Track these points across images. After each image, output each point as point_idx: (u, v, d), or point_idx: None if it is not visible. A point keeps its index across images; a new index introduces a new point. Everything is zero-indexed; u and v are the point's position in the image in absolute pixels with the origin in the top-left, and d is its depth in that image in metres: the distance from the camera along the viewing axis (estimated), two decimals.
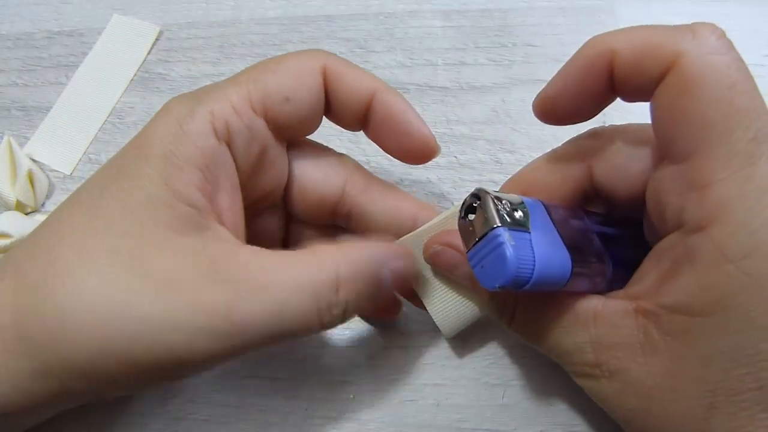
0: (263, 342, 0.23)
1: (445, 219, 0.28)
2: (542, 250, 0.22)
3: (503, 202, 0.22)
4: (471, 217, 0.23)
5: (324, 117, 0.28)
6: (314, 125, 0.28)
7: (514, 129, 0.38)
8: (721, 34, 0.22)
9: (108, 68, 0.42)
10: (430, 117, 0.38)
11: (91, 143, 0.40)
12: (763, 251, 0.20)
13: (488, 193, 0.22)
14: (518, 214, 0.22)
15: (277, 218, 0.30)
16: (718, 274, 0.20)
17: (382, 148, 0.29)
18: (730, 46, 0.21)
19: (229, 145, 0.25)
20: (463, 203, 0.23)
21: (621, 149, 0.26)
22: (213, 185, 0.24)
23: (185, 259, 0.22)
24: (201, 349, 0.22)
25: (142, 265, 0.22)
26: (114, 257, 0.22)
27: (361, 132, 0.29)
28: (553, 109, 0.25)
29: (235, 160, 0.25)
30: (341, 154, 0.30)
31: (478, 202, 0.22)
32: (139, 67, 0.42)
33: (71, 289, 0.22)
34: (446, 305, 0.28)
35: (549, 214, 0.24)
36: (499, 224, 0.21)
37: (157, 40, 0.43)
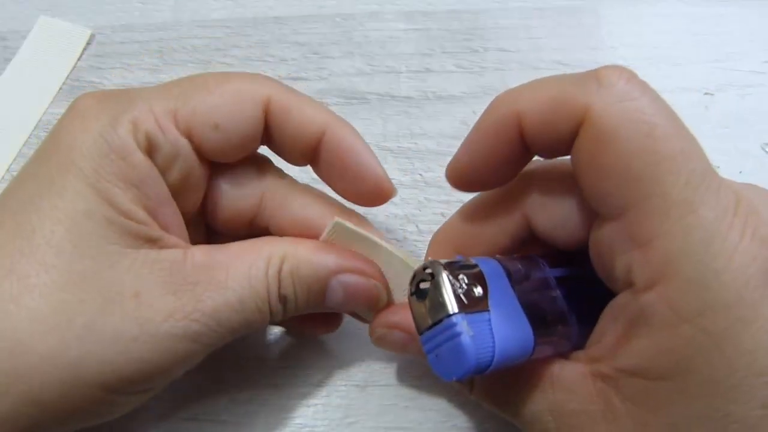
0: (230, 335, 0.24)
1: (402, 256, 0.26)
2: (503, 332, 0.21)
3: (459, 277, 0.21)
4: (423, 294, 0.21)
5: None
6: (243, 154, 0.27)
7: None
8: (631, 77, 0.21)
9: (34, 76, 0.41)
10: (392, 130, 0.37)
11: (14, 160, 0.38)
12: (718, 306, 0.19)
13: (443, 267, 0.21)
14: (477, 291, 0.21)
15: (199, 233, 0.29)
16: (674, 336, 0.20)
17: (332, 188, 0.28)
18: (642, 87, 0.21)
19: (152, 158, 0.24)
20: (413, 277, 0.22)
21: (558, 199, 0.25)
22: (152, 199, 0.24)
23: (144, 271, 0.23)
24: (178, 352, 0.23)
25: (99, 283, 0.22)
26: (65, 279, 0.22)
27: None
28: (468, 177, 0.25)
29: (161, 173, 0.25)
30: (262, 162, 0.28)
31: (430, 276, 0.21)
32: (69, 75, 0.41)
33: (20, 315, 0.22)
34: None
35: (508, 275, 0.23)
36: (456, 311, 0.20)
37: (88, 44, 0.41)
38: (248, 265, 0.24)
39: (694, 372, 0.19)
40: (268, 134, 0.26)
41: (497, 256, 0.24)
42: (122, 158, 0.23)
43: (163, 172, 0.25)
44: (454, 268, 0.21)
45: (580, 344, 0.24)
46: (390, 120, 0.37)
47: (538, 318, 0.22)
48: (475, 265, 0.22)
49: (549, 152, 0.23)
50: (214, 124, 0.24)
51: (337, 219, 0.26)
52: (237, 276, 0.24)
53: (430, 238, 0.28)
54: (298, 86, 0.37)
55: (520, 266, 0.24)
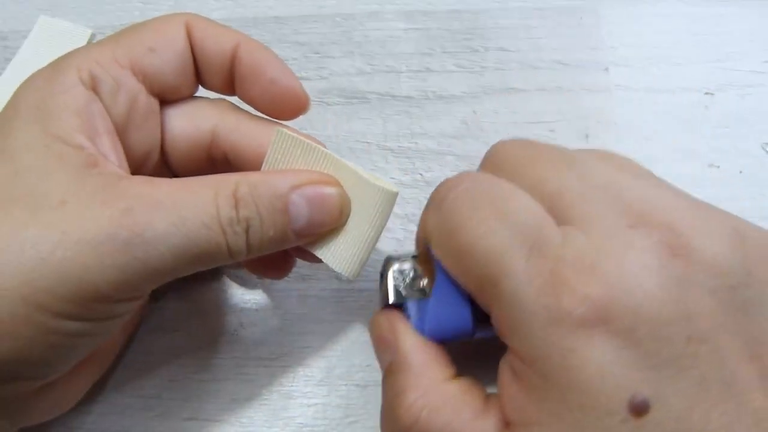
0: (173, 257, 0.23)
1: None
2: (437, 314, 0.25)
3: (406, 271, 0.26)
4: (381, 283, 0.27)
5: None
6: (187, 84, 0.28)
7: (486, 143, 0.35)
8: (448, 187, 0.24)
9: None
10: (392, 129, 0.37)
11: None
12: (546, 356, 0.20)
13: (391, 265, 0.26)
14: (421, 283, 0.26)
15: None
16: (528, 385, 0.21)
17: (251, 105, 0.29)
18: (451, 191, 0.24)
19: (97, 93, 0.25)
20: (383, 265, 0.27)
21: None
22: (92, 129, 0.24)
23: (75, 186, 0.23)
24: (106, 264, 0.22)
25: (29, 198, 0.22)
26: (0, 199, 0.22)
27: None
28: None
29: (105, 108, 0.25)
30: (212, 100, 0.29)
31: (384, 271, 0.26)
32: None
33: None
34: (338, 246, 0.27)
35: None
36: (393, 300, 0.26)
37: (88, 44, 0.40)
38: (193, 189, 0.24)
39: (555, 417, 0.20)
40: (195, 65, 0.28)
41: None
42: (63, 92, 0.24)
43: (109, 105, 0.25)
44: (406, 261, 0.26)
45: None
46: (390, 120, 0.37)
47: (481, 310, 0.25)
48: (432, 258, 0.25)
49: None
50: (148, 48, 0.26)
51: (280, 129, 0.26)
52: (178, 196, 0.23)
53: None
54: None
55: None
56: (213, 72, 0.28)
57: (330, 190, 0.26)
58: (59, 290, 0.21)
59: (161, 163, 0.29)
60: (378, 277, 0.27)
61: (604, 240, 0.21)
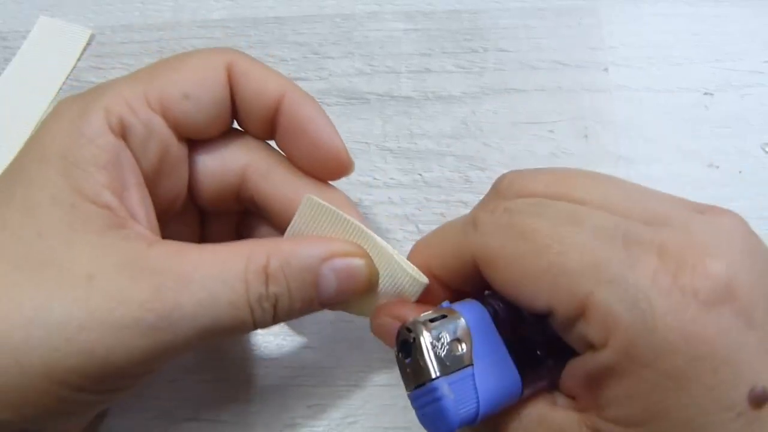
0: (197, 337, 0.22)
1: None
2: (487, 385, 0.21)
3: (441, 336, 0.21)
4: (408, 357, 0.22)
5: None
6: (220, 127, 0.27)
7: (485, 143, 0.36)
8: (499, 206, 0.23)
9: (34, 76, 0.40)
10: (392, 130, 0.37)
11: None
12: (668, 348, 0.19)
13: (423, 327, 0.22)
14: (460, 349, 0.22)
15: (191, 222, 0.29)
16: (640, 382, 0.20)
17: (291, 159, 0.27)
18: (510, 209, 0.23)
19: (126, 141, 0.24)
20: (398, 335, 0.22)
21: None
22: (120, 183, 0.24)
23: (102, 257, 0.22)
24: (131, 346, 0.21)
25: (55, 267, 0.22)
26: (22, 263, 0.22)
27: None
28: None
29: (135, 157, 0.25)
30: (243, 136, 0.28)
31: (412, 338, 0.22)
32: (69, 75, 0.40)
33: None
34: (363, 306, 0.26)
35: (494, 316, 0.23)
36: (437, 375, 0.21)
37: (88, 44, 0.41)
38: (223, 260, 0.23)
39: (664, 416, 0.19)
40: (233, 105, 0.26)
41: (486, 292, 0.25)
42: (91, 141, 0.23)
43: (139, 154, 0.24)
44: (435, 325, 0.22)
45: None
46: (390, 120, 0.37)
47: (527, 357, 0.23)
48: (459, 316, 0.22)
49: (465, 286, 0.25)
50: (183, 94, 0.25)
51: (309, 195, 0.25)
52: (208, 269, 0.22)
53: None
54: None
55: (503, 303, 0.24)
56: (252, 120, 0.27)
57: (359, 262, 0.25)
58: (82, 369, 0.21)
59: (188, 200, 0.28)
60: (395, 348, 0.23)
61: (689, 224, 0.20)
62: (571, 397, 0.23)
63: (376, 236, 0.25)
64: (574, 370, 0.22)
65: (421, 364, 0.21)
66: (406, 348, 0.22)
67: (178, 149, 0.26)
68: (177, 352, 0.22)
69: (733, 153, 0.35)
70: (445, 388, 0.21)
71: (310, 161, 0.27)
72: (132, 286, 0.21)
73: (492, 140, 0.36)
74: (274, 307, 0.23)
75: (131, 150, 0.24)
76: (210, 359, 0.32)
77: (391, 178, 0.35)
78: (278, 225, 0.27)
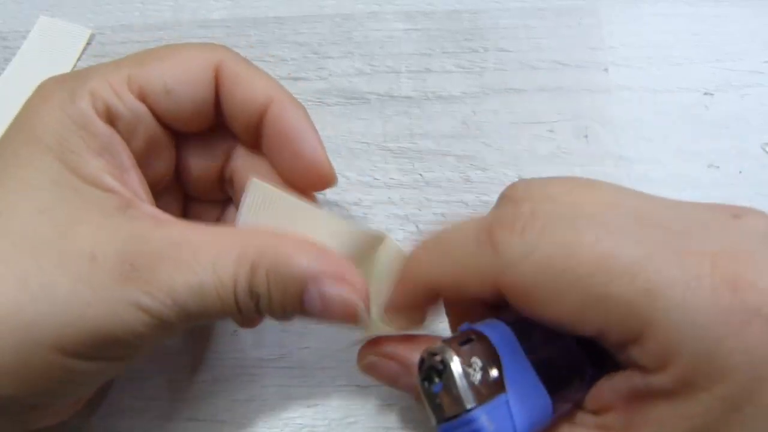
0: (188, 320, 0.23)
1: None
2: (522, 411, 0.20)
3: (472, 362, 0.20)
4: (436, 386, 0.20)
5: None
6: (201, 124, 0.27)
7: (485, 144, 0.36)
8: (525, 222, 0.21)
9: (34, 76, 0.37)
10: (392, 130, 0.37)
11: None
12: (728, 371, 0.19)
13: (454, 353, 0.20)
14: (493, 374, 0.20)
15: (174, 200, 0.29)
16: (693, 406, 0.19)
17: (274, 168, 0.27)
18: (538, 227, 0.20)
19: (114, 126, 0.24)
20: (421, 362, 0.21)
21: None
22: (118, 168, 0.24)
23: (105, 237, 0.22)
24: (131, 323, 0.22)
25: (56, 245, 0.22)
26: (20, 240, 0.22)
27: None
28: (391, 317, 0.25)
29: (125, 142, 0.25)
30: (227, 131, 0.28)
31: (441, 365, 0.20)
32: None
33: None
34: None
35: (518, 336, 0.22)
36: (474, 404, 0.19)
37: (88, 44, 0.41)
38: (218, 251, 0.23)
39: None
40: (217, 103, 0.26)
41: (503, 316, 0.23)
42: (83, 128, 0.23)
43: (127, 139, 0.25)
44: (464, 350, 0.20)
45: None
46: (390, 120, 0.37)
47: (554, 378, 0.21)
48: (486, 339, 0.21)
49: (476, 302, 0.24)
50: (165, 87, 0.25)
51: (254, 179, 0.24)
52: (203, 259, 0.23)
53: None
54: (298, 86, 0.38)
55: (527, 324, 0.22)
56: (237, 124, 0.27)
57: (350, 298, 0.23)
58: (90, 342, 0.22)
59: (173, 183, 0.28)
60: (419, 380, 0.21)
61: (730, 232, 0.20)
62: (597, 412, 0.22)
63: (324, 212, 0.25)
64: (615, 385, 0.22)
65: (455, 393, 0.20)
66: (432, 376, 0.20)
67: (163, 134, 0.26)
68: (177, 331, 0.23)
69: (733, 153, 0.35)
70: (483, 419, 0.19)
71: (292, 172, 0.27)
72: (132, 270, 0.22)
73: (492, 140, 0.36)
74: (257, 304, 0.23)
75: (120, 134, 0.24)
76: (210, 359, 0.32)
77: (392, 178, 0.35)
78: None
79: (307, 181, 0.27)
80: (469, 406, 0.19)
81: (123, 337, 0.22)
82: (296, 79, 0.38)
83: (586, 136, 0.35)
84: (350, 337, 0.32)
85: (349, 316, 0.24)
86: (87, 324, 0.21)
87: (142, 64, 0.25)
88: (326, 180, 0.26)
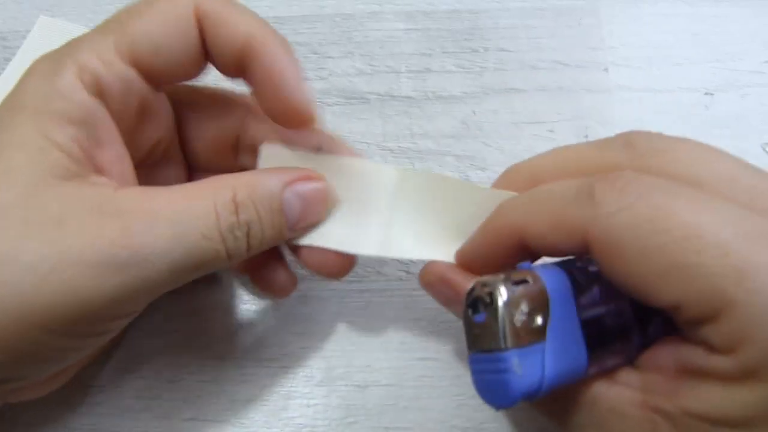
0: (170, 272, 0.22)
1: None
2: (555, 363, 0.20)
3: (520, 303, 0.20)
4: (479, 315, 0.20)
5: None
6: (193, 72, 0.27)
7: (485, 143, 0.36)
8: (625, 184, 0.20)
9: None
10: (392, 130, 0.37)
11: None
12: None
13: (505, 288, 0.20)
14: (537, 321, 0.20)
15: (176, 170, 0.30)
16: (750, 392, 0.19)
17: (259, 103, 0.27)
18: (639, 189, 0.20)
19: (104, 97, 0.24)
20: (471, 290, 0.21)
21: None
22: (91, 141, 0.24)
23: (70, 201, 0.22)
24: (105, 285, 0.21)
25: (24, 210, 0.22)
26: None
27: None
28: (471, 266, 0.26)
29: (112, 114, 0.25)
30: (240, 98, 0.29)
31: (489, 298, 0.20)
32: None
33: None
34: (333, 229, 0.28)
35: (575, 286, 0.21)
36: (509, 346, 0.19)
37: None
38: (191, 197, 0.23)
39: (764, 422, 0.19)
40: (204, 47, 0.26)
41: (569, 258, 0.23)
42: (63, 97, 0.23)
43: (118, 109, 0.25)
44: (516, 289, 0.20)
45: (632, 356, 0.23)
46: (390, 120, 0.37)
47: (598, 338, 0.21)
48: (541, 283, 0.21)
49: (555, 255, 0.23)
50: (154, 45, 0.25)
51: (265, 144, 0.27)
52: (177, 205, 0.23)
53: None
54: None
55: (590, 272, 0.22)
56: (222, 62, 0.26)
57: (318, 185, 0.26)
58: (57, 310, 0.21)
59: (179, 154, 0.29)
60: (463, 305, 0.21)
61: None
62: (645, 370, 0.22)
63: (332, 156, 0.27)
64: (674, 352, 0.21)
65: (494, 329, 0.19)
66: (478, 305, 0.20)
67: (156, 96, 0.26)
68: (150, 292, 0.23)
69: (733, 153, 0.35)
70: (514, 361, 0.19)
71: (275, 108, 0.27)
72: (102, 226, 0.22)
73: (493, 140, 0.36)
74: (247, 234, 0.24)
75: (109, 105, 0.24)
76: (210, 359, 0.32)
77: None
78: None
79: (287, 117, 0.27)
80: (502, 346, 0.19)
81: (94, 303, 0.22)
82: None
83: (586, 136, 0.35)
84: (350, 336, 0.32)
85: (326, 200, 0.27)
86: (54, 290, 0.21)
87: (126, 25, 0.25)
88: (304, 118, 0.26)
